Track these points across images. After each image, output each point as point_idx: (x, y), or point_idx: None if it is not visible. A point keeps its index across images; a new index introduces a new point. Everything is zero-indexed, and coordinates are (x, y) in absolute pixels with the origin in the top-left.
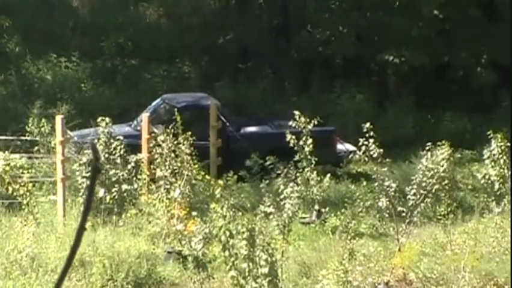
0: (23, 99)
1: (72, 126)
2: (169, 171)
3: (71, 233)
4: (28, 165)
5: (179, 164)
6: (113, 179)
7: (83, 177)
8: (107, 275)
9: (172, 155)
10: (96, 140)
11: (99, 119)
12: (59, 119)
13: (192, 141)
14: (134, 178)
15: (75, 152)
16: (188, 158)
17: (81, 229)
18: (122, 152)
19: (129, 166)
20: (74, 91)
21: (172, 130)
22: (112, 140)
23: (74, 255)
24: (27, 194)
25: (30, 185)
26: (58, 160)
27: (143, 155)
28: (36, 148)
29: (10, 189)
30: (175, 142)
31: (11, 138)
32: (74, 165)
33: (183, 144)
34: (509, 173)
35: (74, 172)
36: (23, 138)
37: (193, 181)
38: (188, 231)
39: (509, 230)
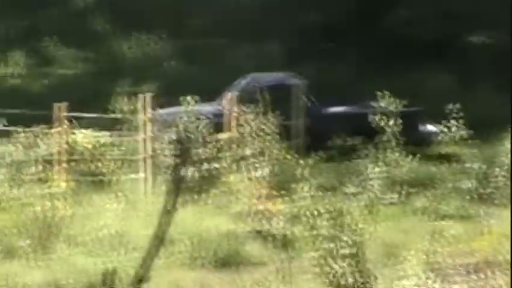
0: (110, 78)
1: (159, 104)
2: (255, 149)
3: (155, 211)
4: (114, 143)
5: (264, 144)
6: (199, 157)
7: (169, 155)
8: (192, 253)
9: (258, 134)
10: (182, 119)
11: (186, 97)
12: (145, 97)
13: (277, 121)
14: (220, 156)
15: (161, 130)
16: (274, 137)
17: (170, 210)
18: (207, 130)
19: (215, 144)
20: (160, 69)
21: (258, 109)
22: (198, 118)
23: (163, 236)
24: (113, 172)
25: (116, 162)
26: (144, 138)
27: (229, 134)
28: (122, 126)
29: (96, 166)
30: (261, 121)
31: (98, 115)
32: (160, 143)
33: (269, 123)
34: None
35: (160, 150)
36: (110, 115)
37: (278, 160)
38: (273, 210)
39: None
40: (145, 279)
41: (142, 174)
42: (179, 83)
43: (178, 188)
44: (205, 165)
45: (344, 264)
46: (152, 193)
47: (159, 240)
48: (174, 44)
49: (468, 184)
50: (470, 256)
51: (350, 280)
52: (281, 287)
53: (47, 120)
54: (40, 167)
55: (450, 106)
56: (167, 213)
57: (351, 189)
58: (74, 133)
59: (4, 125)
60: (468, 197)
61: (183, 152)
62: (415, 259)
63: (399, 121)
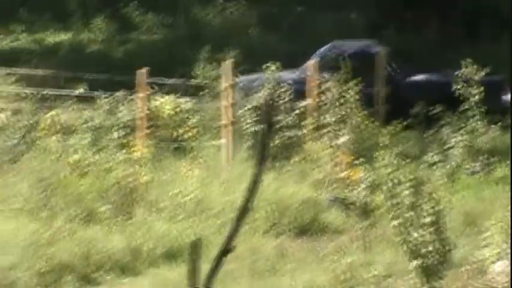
0: (190, 44)
1: (240, 71)
2: (336, 118)
3: (235, 178)
4: (195, 110)
5: (345, 111)
6: (279, 125)
7: (249, 122)
8: (271, 220)
9: (339, 101)
10: (263, 86)
11: (267, 65)
12: (227, 63)
13: (359, 88)
14: (300, 124)
15: (242, 97)
16: (355, 105)
17: (256, 181)
18: (288, 98)
19: (295, 112)
20: (241, 36)
21: (340, 77)
22: (279, 86)
23: (248, 206)
24: (194, 138)
25: (197, 129)
26: (225, 105)
27: (310, 101)
28: (203, 92)
29: (177, 132)
30: (342, 89)
31: (179, 82)
32: (241, 110)
33: (350, 91)
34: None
35: (241, 117)
36: (191, 82)
37: (359, 128)
38: (353, 178)
39: None
40: (231, 250)
41: (222, 141)
42: (261, 50)
43: (263, 155)
44: (287, 133)
45: (424, 233)
46: (233, 160)
47: (245, 209)
48: (256, 11)
49: None
50: None
51: (430, 248)
52: (360, 254)
53: (128, 86)
54: (121, 133)
55: None
56: (254, 181)
57: (432, 158)
58: (155, 99)
59: (85, 90)
60: None
61: (271, 127)
62: (496, 228)
63: (482, 90)
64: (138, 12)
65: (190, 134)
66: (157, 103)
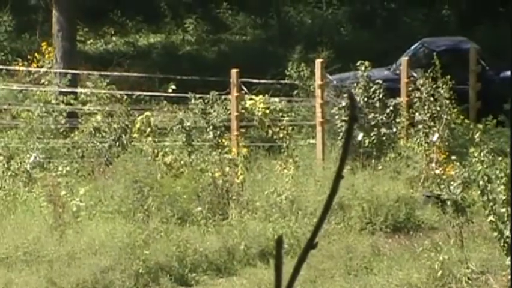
0: (282, 43)
1: (331, 70)
2: (428, 115)
3: (329, 177)
4: (288, 109)
5: (438, 108)
6: (372, 122)
7: (342, 121)
8: (365, 218)
9: (431, 98)
10: (355, 84)
11: (358, 63)
12: (318, 62)
13: (451, 85)
14: (393, 122)
15: (334, 96)
16: (448, 101)
17: (338, 176)
18: (381, 95)
19: (388, 110)
20: (333, 35)
21: (431, 74)
22: (370, 84)
23: (332, 201)
24: (287, 137)
25: (290, 128)
26: (317, 104)
27: (402, 99)
28: (295, 92)
29: (270, 132)
30: (434, 86)
31: (270, 81)
32: (333, 109)
33: (442, 88)
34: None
35: (333, 116)
36: (282, 81)
37: (452, 125)
38: (447, 175)
39: None
40: (314, 246)
41: (315, 140)
42: (353, 48)
43: (348, 153)
44: (379, 130)
45: None
46: (327, 159)
47: (328, 207)
48: (348, 8)
49: None
50: None
51: None
52: (456, 251)
53: (221, 87)
54: (215, 133)
55: None
56: (337, 179)
57: None
58: (250, 99)
59: (177, 91)
60: None
61: (354, 121)
62: None
63: None
64: (230, 12)
65: (283, 133)
66: (250, 103)
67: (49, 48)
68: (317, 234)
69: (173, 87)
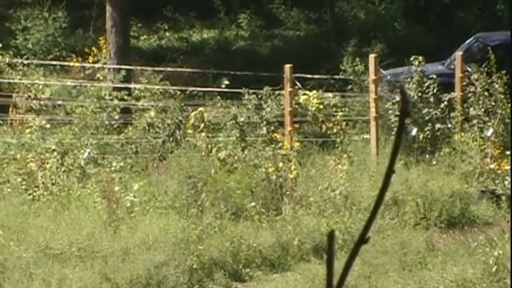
0: (336, 38)
1: (385, 65)
2: (483, 109)
3: (383, 172)
4: (341, 104)
5: (492, 103)
6: (426, 117)
7: (396, 115)
8: (420, 213)
9: (486, 93)
10: (409, 79)
11: (412, 58)
12: (372, 57)
13: (505, 80)
14: (447, 117)
15: (388, 91)
16: (502, 96)
17: (390, 171)
18: (435, 90)
19: (442, 105)
20: (387, 29)
21: (486, 69)
22: (424, 79)
23: (384, 196)
24: (341, 132)
25: (344, 123)
26: (371, 99)
27: (456, 94)
28: (349, 87)
29: (324, 127)
30: (489, 80)
31: (324, 77)
32: (387, 103)
33: (497, 83)
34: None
35: (387, 111)
36: (336, 77)
37: (507, 120)
38: (502, 170)
39: None
40: (364, 241)
41: (369, 135)
42: (407, 43)
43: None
44: (434, 125)
45: None
46: (381, 154)
47: (380, 201)
48: (402, 3)
49: None
50: None
51: None
52: (510, 246)
53: (274, 82)
54: (268, 128)
55: None
56: (388, 173)
57: None
58: (303, 94)
59: (227, 85)
60: None
61: (406, 116)
62: None
63: None
64: (283, 8)
65: (337, 128)
66: (304, 98)
67: (103, 44)
68: (369, 228)
69: (227, 82)
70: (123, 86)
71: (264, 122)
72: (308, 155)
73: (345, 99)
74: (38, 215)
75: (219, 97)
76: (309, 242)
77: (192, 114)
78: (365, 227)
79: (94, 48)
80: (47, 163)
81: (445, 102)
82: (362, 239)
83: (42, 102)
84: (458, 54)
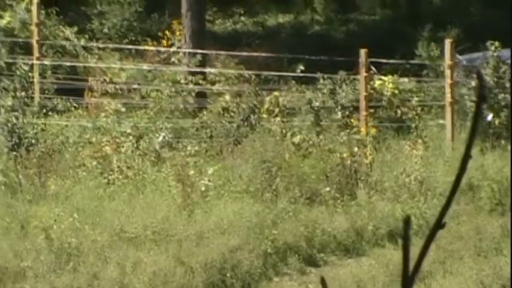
0: (411, 23)
1: (461, 50)
2: None
3: (459, 157)
4: (417, 89)
5: None
6: (502, 103)
7: (472, 101)
8: (495, 199)
9: None
10: (485, 64)
11: (488, 43)
12: (448, 42)
13: None
14: None
15: (464, 76)
16: None
17: (466, 156)
18: (511, 75)
19: None
20: (462, 14)
21: None
22: (501, 64)
23: (460, 181)
24: (416, 117)
25: (419, 108)
26: (447, 84)
27: None
28: (425, 72)
29: (399, 112)
30: None
31: (400, 61)
32: (463, 89)
33: None
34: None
35: (463, 96)
36: (411, 61)
37: None
38: None
39: None
40: (440, 226)
41: (445, 121)
42: (483, 28)
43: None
44: (510, 111)
45: None
46: (456, 139)
47: (456, 186)
48: None
49: None
50: None
51: None
52: None
53: (349, 67)
54: (343, 113)
55: None
56: (465, 158)
57: None
58: (379, 79)
59: (301, 70)
60: None
61: (483, 101)
62: None
63: None
64: None
65: (412, 113)
66: (379, 83)
67: (179, 28)
68: (445, 214)
69: (302, 67)
70: (198, 70)
71: (339, 107)
72: (383, 140)
73: (421, 84)
74: (113, 199)
75: (293, 82)
76: (384, 227)
77: (267, 98)
78: (441, 212)
79: (167, 32)
80: (122, 147)
81: None
82: (438, 224)
83: (117, 86)
84: None
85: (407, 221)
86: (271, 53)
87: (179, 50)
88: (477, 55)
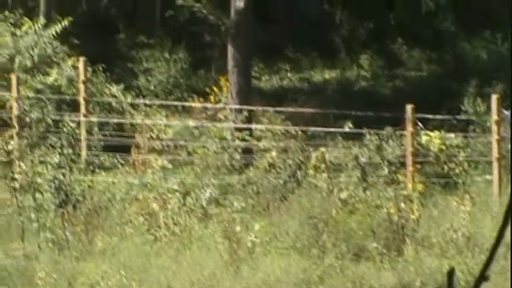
0: (457, 78)
1: (507, 105)
2: None
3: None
4: (463, 145)
5: None
6: None
7: None
8: None
9: None
10: None
11: None
12: (494, 98)
13: None
14: None
15: (510, 131)
16: None
17: (509, 210)
18: None
19: None
20: (508, 69)
21: None
22: None
23: (503, 235)
24: (463, 173)
25: (466, 164)
26: (494, 139)
27: None
28: (471, 127)
29: (446, 168)
30: None
31: (446, 117)
32: (510, 144)
33: None
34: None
35: (510, 151)
36: (458, 117)
37: None
38: None
39: None
40: (484, 279)
41: (492, 176)
42: None
43: None
44: None
45: None
46: (503, 194)
47: (500, 238)
48: None
49: None
50: None
51: None
52: None
53: (395, 122)
54: (389, 169)
55: None
56: (507, 212)
57: None
58: (425, 134)
59: (349, 128)
60: None
61: None
62: None
63: None
64: (405, 48)
65: (459, 169)
66: (426, 139)
67: (224, 84)
68: (489, 266)
69: (350, 125)
70: (244, 126)
71: (386, 163)
72: (430, 195)
73: (467, 140)
74: (159, 255)
75: (340, 137)
76: (431, 284)
77: (313, 154)
78: (485, 263)
79: (214, 88)
80: (169, 203)
81: None
82: (482, 276)
83: (164, 143)
84: None
85: (450, 274)
86: (318, 108)
87: (225, 106)
88: None
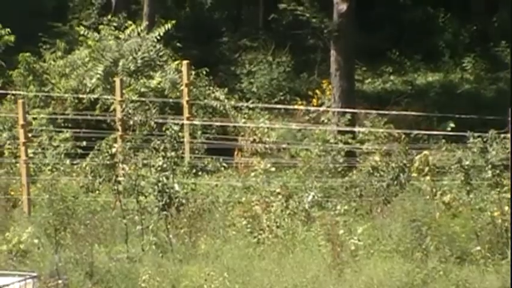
0: None
1: None
2: None
3: None
4: None
5: None
6: None
7: None
8: None
9: None
10: None
11: None
12: None
13: None
14: None
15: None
16: None
17: None
18: None
19: None
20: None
21: None
22: None
23: None
24: None
25: None
26: None
27: None
28: None
29: None
30: None
31: None
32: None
33: None
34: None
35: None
36: None
37: None
38: None
39: None
40: None
41: None
42: None
43: None
44: None
45: None
46: None
47: None
48: None
49: None
50: None
51: None
52: None
53: (499, 125)
54: (493, 172)
55: None
56: None
57: None
58: None
59: (451, 129)
60: None
61: None
62: None
63: None
64: (508, 51)
65: None
66: None
67: (327, 87)
68: None
69: (452, 125)
70: (347, 129)
71: (490, 166)
72: None
73: None
74: (262, 258)
75: (443, 140)
76: None
77: (417, 157)
78: None
79: (317, 91)
80: (272, 206)
81: None
82: None
83: (267, 146)
84: None
85: None
86: (421, 111)
87: (328, 109)
88: None
